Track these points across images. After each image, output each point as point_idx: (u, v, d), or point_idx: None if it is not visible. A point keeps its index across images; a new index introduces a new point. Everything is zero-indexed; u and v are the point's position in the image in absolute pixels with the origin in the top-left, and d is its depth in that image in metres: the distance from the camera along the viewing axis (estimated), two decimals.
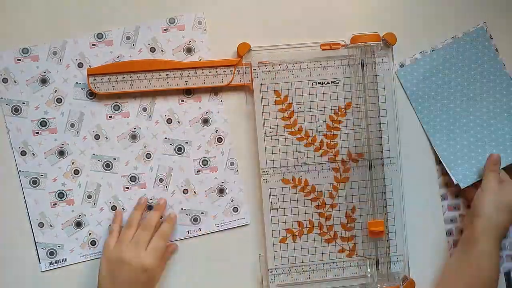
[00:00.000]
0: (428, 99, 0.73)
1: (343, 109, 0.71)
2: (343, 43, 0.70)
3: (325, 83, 0.70)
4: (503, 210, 0.66)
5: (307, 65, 0.70)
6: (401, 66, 0.73)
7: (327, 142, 0.71)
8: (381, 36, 0.70)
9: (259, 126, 0.70)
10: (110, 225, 0.69)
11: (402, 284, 0.71)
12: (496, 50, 0.74)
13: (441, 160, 0.73)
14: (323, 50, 0.70)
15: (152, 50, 0.70)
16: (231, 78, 0.69)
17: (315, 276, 0.71)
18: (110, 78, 0.68)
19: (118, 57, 0.70)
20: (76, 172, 0.70)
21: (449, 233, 0.74)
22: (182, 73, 0.68)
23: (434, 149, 0.73)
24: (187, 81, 0.69)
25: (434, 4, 0.74)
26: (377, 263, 0.71)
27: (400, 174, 0.71)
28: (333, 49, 0.70)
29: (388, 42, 0.70)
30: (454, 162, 0.73)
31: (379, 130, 0.71)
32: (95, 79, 0.68)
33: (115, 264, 0.64)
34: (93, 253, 0.70)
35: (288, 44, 0.70)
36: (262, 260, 0.71)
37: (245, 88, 0.70)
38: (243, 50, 0.69)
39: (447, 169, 0.72)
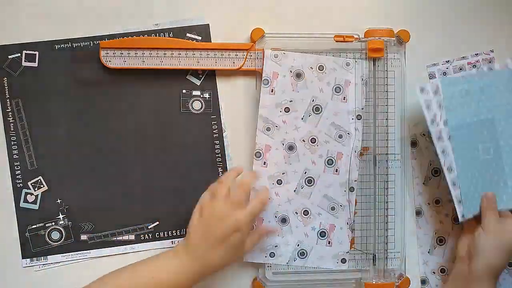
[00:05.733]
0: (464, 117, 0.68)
1: None
2: (357, 37, 0.70)
3: None
4: (503, 251, 0.64)
5: (319, 55, 0.70)
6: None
7: None
8: (395, 32, 0.71)
9: None
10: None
11: (398, 282, 0.71)
12: None
13: (455, 186, 0.68)
14: (336, 42, 0.70)
15: None
16: (243, 62, 0.69)
17: (311, 267, 0.71)
18: (122, 53, 0.68)
19: None
20: None
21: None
22: (194, 53, 0.68)
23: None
24: (198, 62, 0.68)
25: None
26: (374, 258, 0.71)
27: (404, 171, 0.72)
28: (346, 41, 0.70)
29: (401, 39, 0.71)
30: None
31: (386, 126, 0.71)
32: (107, 53, 0.67)
33: (209, 218, 0.62)
34: None
35: (302, 33, 0.70)
36: None
37: (256, 74, 0.70)
38: (257, 35, 0.69)
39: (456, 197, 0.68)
